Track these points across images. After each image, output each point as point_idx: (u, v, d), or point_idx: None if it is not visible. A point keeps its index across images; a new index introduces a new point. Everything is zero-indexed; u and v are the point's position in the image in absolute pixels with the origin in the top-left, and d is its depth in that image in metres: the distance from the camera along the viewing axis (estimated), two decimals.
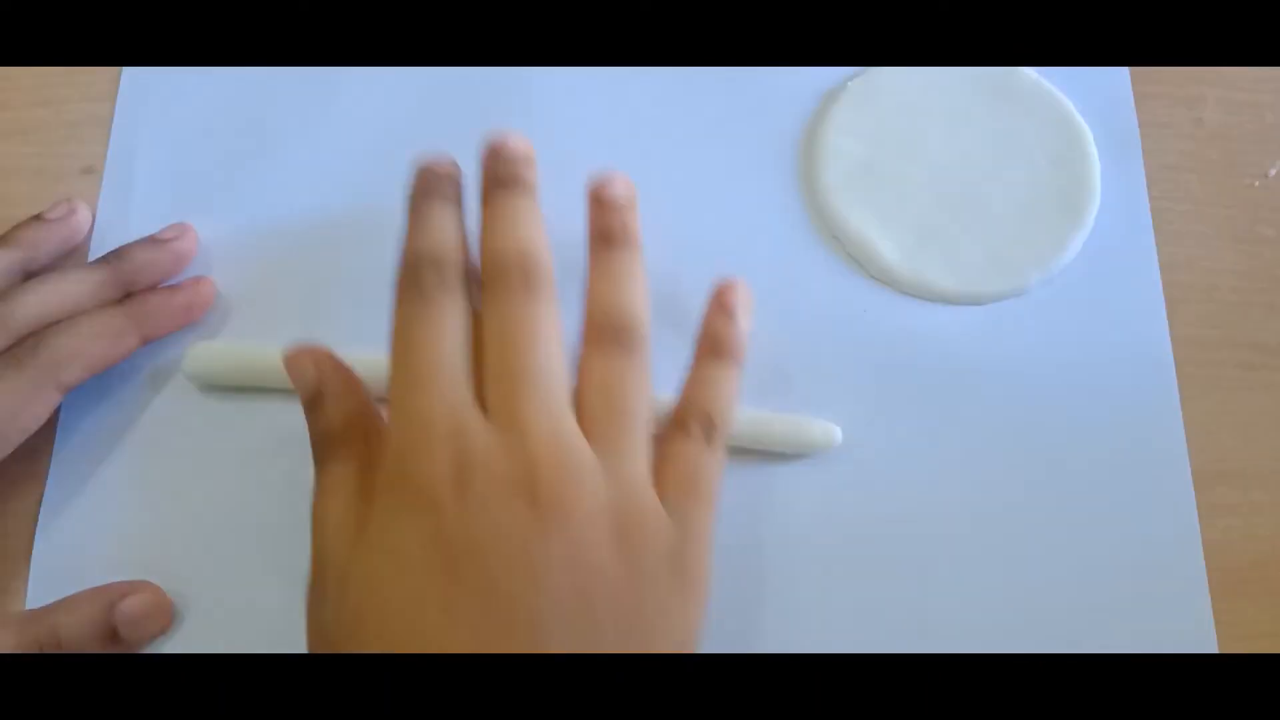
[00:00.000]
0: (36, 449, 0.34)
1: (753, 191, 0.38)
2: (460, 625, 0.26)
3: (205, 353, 0.34)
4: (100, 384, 0.34)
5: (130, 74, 0.39)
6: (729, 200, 0.37)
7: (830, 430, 0.34)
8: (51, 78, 0.39)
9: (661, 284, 0.36)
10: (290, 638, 0.32)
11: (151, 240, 0.35)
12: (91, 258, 0.36)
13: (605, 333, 0.30)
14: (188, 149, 0.38)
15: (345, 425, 0.29)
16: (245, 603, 0.33)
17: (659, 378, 0.35)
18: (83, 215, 0.36)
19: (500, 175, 0.31)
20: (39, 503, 0.34)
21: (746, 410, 0.34)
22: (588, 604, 0.26)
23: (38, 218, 0.35)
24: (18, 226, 0.35)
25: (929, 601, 0.33)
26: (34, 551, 0.33)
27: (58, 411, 0.34)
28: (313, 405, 0.30)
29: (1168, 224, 0.38)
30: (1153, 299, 0.36)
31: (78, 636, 0.31)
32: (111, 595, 0.31)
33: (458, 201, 0.31)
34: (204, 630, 0.32)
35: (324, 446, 0.29)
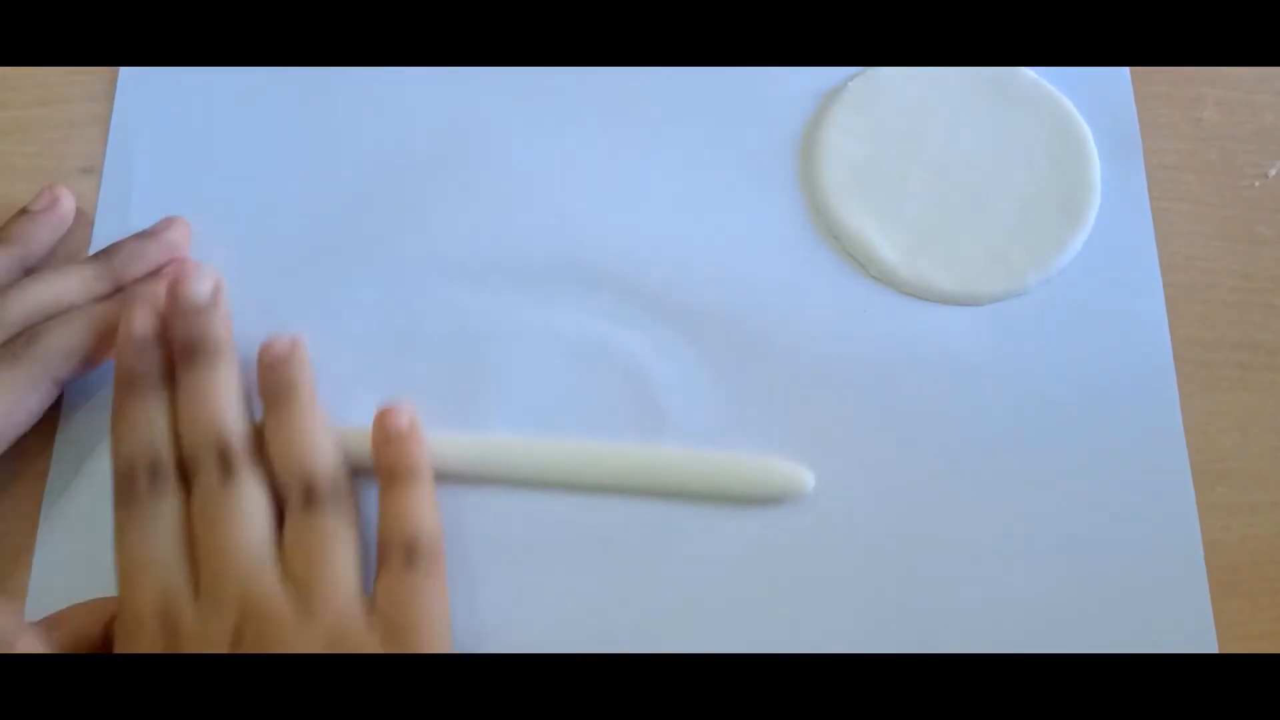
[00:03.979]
0: (37, 448, 0.34)
1: (753, 191, 0.38)
2: None
3: None
4: (101, 384, 0.34)
5: (127, 74, 0.39)
6: (729, 200, 0.37)
7: (799, 474, 0.34)
8: (51, 78, 0.39)
9: (661, 284, 0.36)
10: None
11: (142, 234, 0.35)
12: None
13: (293, 494, 0.31)
14: (186, 149, 0.38)
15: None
16: None
17: (661, 372, 0.35)
18: (67, 201, 0.36)
19: (183, 343, 0.32)
20: (39, 503, 0.33)
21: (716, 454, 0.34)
22: None
23: (24, 212, 0.36)
24: (6, 224, 0.35)
25: (928, 601, 0.33)
26: (35, 551, 0.33)
27: (59, 411, 0.34)
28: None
29: (1168, 224, 0.38)
30: (1153, 299, 0.37)
31: (75, 652, 0.30)
32: (109, 610, 0.31)
33: (158, 379, 0.32)
34: None
35: None
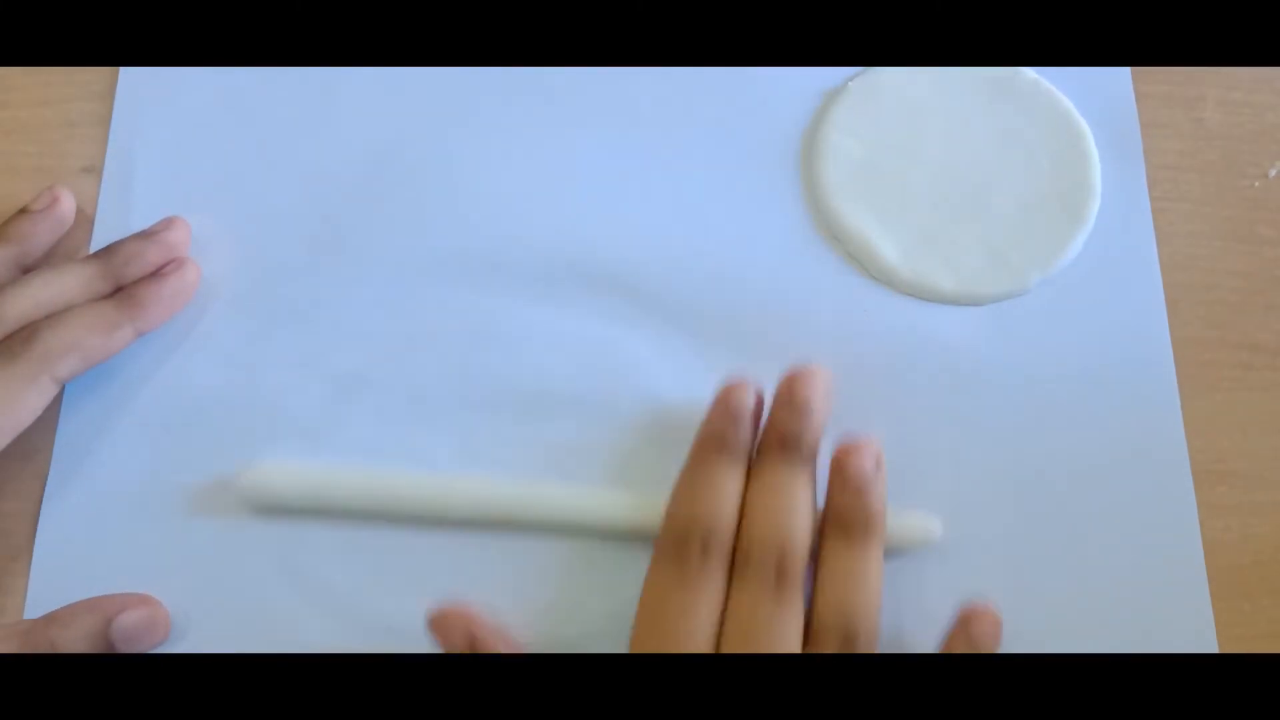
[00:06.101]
0: (36, 449, 0.34)
1: (753, 191, 0.38)
2: None
3: (267, 475, 0.33)
4: (100, 383, 0.34)
5: (128, 74, 0.39)
6: (729, 200, 0.37)
7: (930, 524, 0.33)
8: (51, 77, 0.39)
9: (662, 284, 0.36)
10: (291, 637, 0.32)
11: (141, 235, 0.36)
12: None
13: (831, 639, 0.29)
14: (187, 148, 0.38)
15: None
16: (246, 604, 0.33)
17: (661, 372, 0.35)
18: (67, 202, 0.36)
19: (783, 431, 0.31)
20: (39, 503, 0.34)
21: None
22: None
23: (24, 211, 0.36)
24: (6, 222, 0.35)
25: (925, 602, 0.33)
26: (34, 551, 0.33)
27: (58, 411, 0.34)
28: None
29: (1168, 224, 0.38)
30: (1153, 299, 0.36)
31: (75, 651, 0.30)
32: (109, 609, 0.31)
33: (745, 455, 0.31)
34: (205, 632, 0.32)
35: None
